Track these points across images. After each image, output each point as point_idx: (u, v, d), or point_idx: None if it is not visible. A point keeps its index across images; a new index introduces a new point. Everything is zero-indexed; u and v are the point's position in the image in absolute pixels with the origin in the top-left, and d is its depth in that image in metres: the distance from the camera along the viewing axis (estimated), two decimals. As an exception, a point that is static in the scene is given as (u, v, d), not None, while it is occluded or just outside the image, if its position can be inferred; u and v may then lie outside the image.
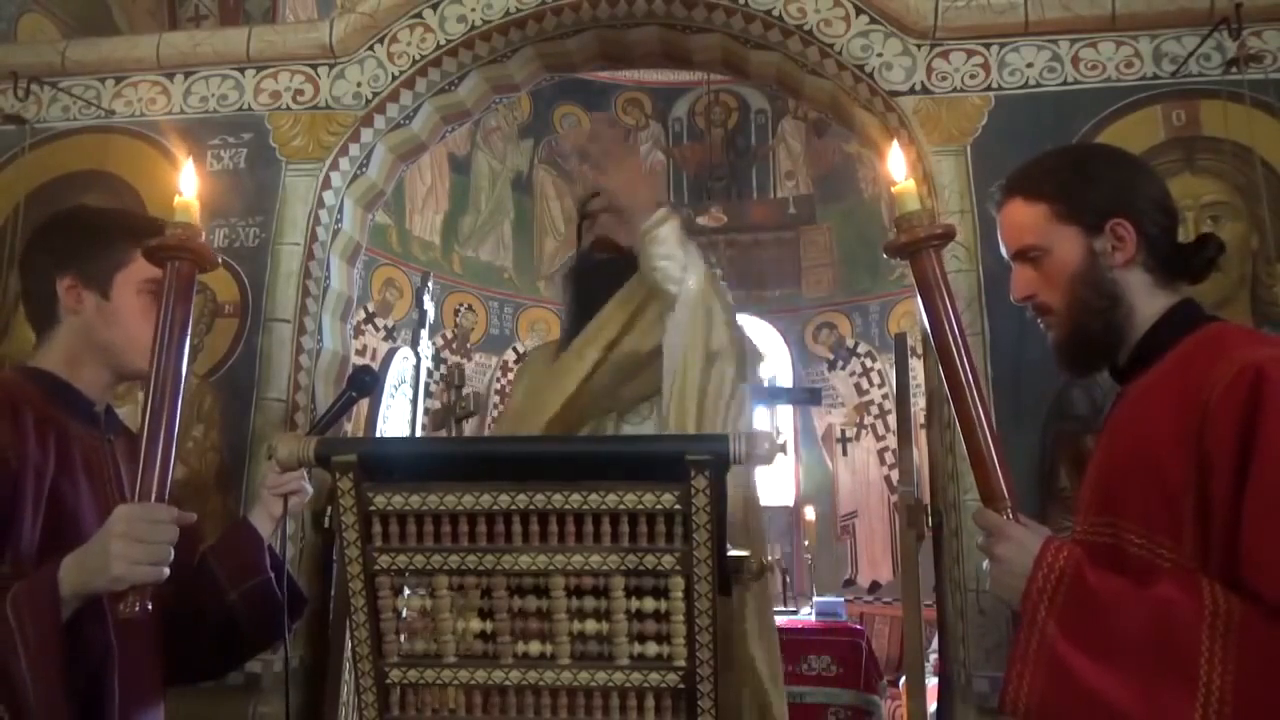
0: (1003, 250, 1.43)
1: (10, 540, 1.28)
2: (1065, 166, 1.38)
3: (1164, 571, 1.15)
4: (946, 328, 1.22)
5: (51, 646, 1.18)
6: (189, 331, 1.25)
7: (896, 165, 1.27)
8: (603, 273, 1.97)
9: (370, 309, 6.96)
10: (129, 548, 1.16)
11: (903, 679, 3.45)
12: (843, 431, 7.90)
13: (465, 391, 5.11)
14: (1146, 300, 1.32)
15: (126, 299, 1.46)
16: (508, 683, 1.11)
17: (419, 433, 3.97)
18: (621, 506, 1.06)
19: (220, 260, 1.36)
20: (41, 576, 1.21)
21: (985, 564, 1.23)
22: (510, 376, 7.84)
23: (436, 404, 7.22)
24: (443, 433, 4.92)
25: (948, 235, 1.24)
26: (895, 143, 1.38)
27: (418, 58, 2.87)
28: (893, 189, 1.26)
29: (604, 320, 1.90)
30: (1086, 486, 1.38)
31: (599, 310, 1.93)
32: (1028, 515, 1.22)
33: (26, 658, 1.16)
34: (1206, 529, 1.13)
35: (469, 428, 5.06)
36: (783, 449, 1.07)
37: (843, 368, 8.00)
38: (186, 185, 1.27)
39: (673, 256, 1.76)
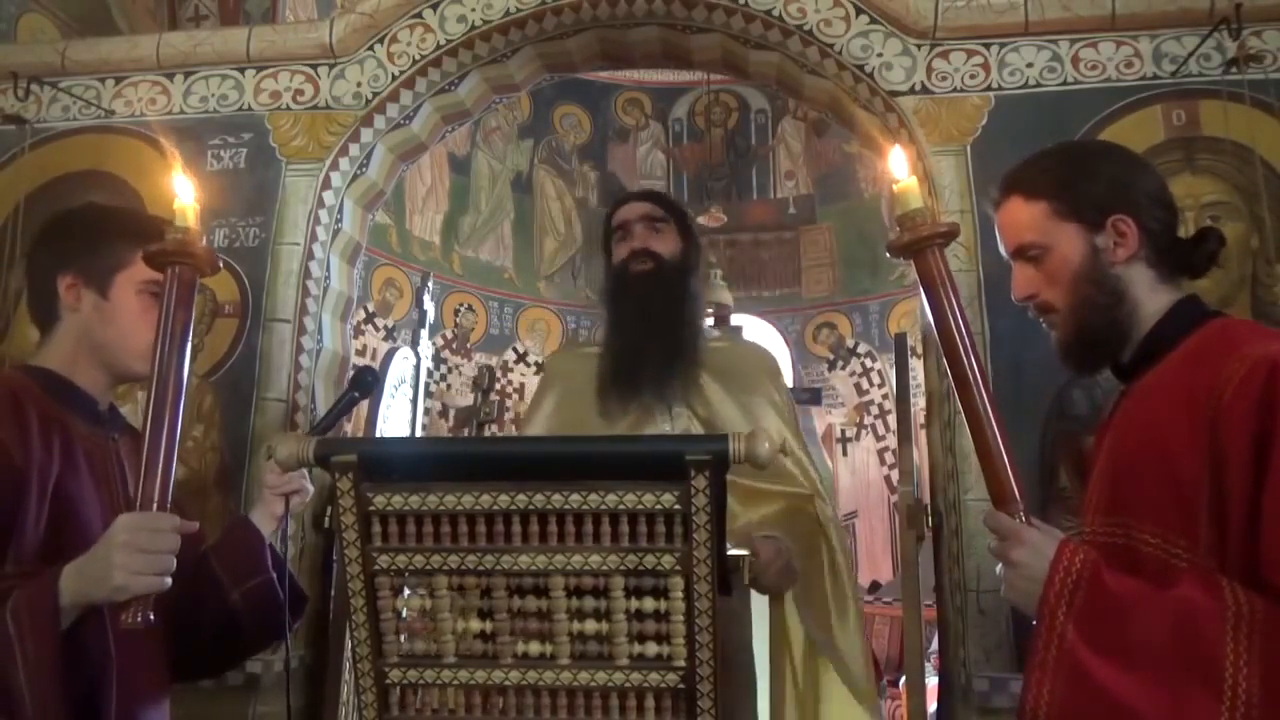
0: (1001, 250, 1.41)
1: (14, 540, 1.28)
2: (1064, 163, 1.36)
3: (1182, 571, 1.12)
4: (952, 326, 1.20)
5: (50, 657, 1.18)
6: (190, 337, 1.24)
7: (898, 164, 1.26)
8: (645, 285, 1.99)
9: (370, 309, 6.96)
10: (130, 558, 1.15)
11: (903, 679, 3.45)
12: (843, 431, 7.91)
13: (493, 397, 5.08)
14: (1149, 296, 1.30)
15: (125, 299, 1.45)
16: (507, 683, 1.11)
17: (422, 432, 3.97)
18: (621, 506, 1.06)
19: (221, 264, 1.36)
20: (41, 585, 1.20)
21: (998, 569, 1.20)
22: (511, 377, 7.85)
23: (438, 404, 7.24)
24: (465, 432, 4.90)
25: (951, 233, 1.24)
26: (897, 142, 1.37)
27: (418, 58, 2.87)
28: (894, 188, 1.24)
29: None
30: (1093, 486, 1.35)
31: (643, 323, 1.96)
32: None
33: (25, 668, 1.16)
34: (1222, 527, 1.10)
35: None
36: (783, 450, 1.07)
37: (843, 368, 8.00)
38: (184, 190, 1.27)
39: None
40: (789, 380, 7.90)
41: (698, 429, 1.97)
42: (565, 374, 2.19)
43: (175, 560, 1.20)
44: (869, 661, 1.96)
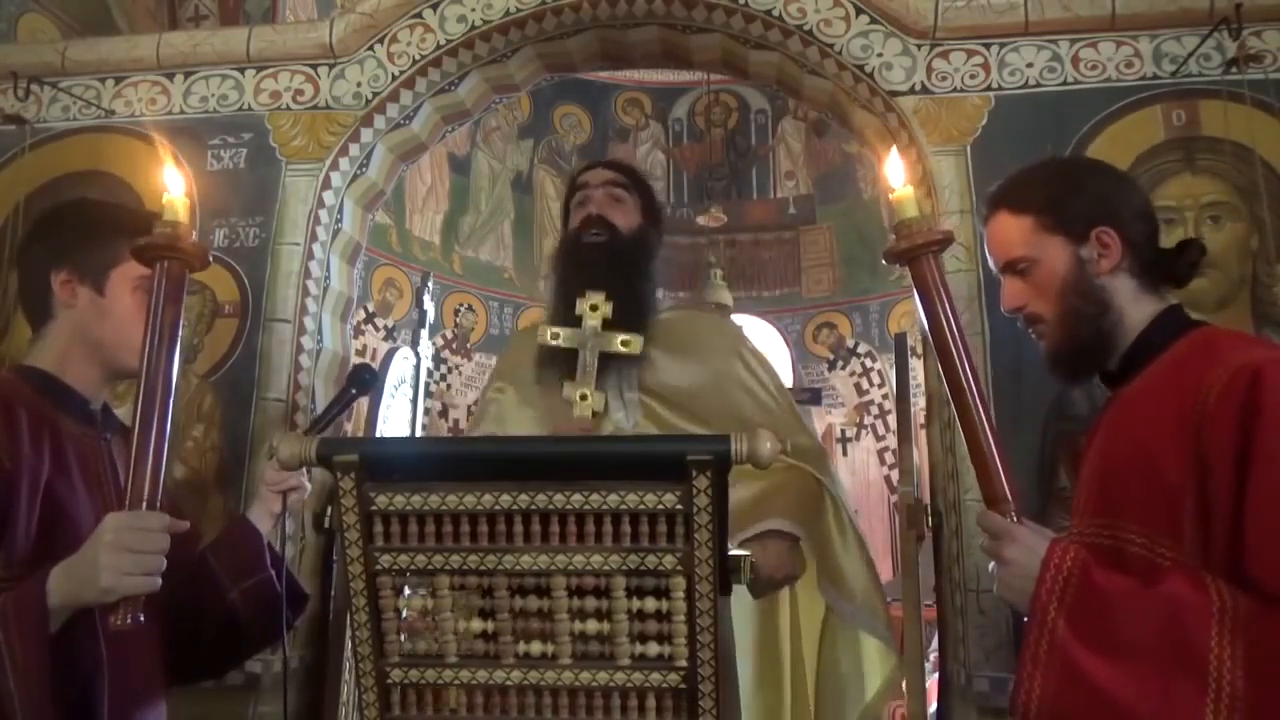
0: (990, 264, 1.47)
1: (4, 543, 1.27)
2: (1049, 179, 1.42)
3: (1169, 570, 1.15)
4: (946, 332, 1.24)
5: (39, 660, 1.16)
6: (179, 333, 1.22)
7: (895, 172, 1.29)
8: (596, 254, 1.90)
9: (370, 309, 6.96)
10: (118, 558, 1.14)
11: (902, 679, 3.45)
12: (843, 431, 7.91)
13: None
14: (1134, 306, 1.35)
15: (121, 295, 1.44)
16: (509, 683, 1.11)
17: (422, 432, 3.97)
18: (623, 506, 1.06)
19: (211, 258, 1.35)
20: (30, 587, 1.19)
21: (991, 566, 1.23)
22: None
23: (438, 404, 7.23)
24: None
25: (946, 241, 1.27)
26: (894, 149, 1.39)
27: (418, 58, 2.87)
28: (891, 196, 1.28)
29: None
30: (1081, 489, 1.40)
31: (587, 291, 1.83)
32: (1028, 516, 1.23)
33: (14, 671, 1.15)
34: (1207, 529, 1.14)
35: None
36: (784, 450, 1.07)
37: (843, 368, 8.00)
38: (174, 183, 1.26)
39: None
40: (788, 380, 7.94)
41: (655, 407, 1.89)
42: (510, 367, 2.09)
43: (165, 560, 1.19)
44: (887, 613, 1.95)
